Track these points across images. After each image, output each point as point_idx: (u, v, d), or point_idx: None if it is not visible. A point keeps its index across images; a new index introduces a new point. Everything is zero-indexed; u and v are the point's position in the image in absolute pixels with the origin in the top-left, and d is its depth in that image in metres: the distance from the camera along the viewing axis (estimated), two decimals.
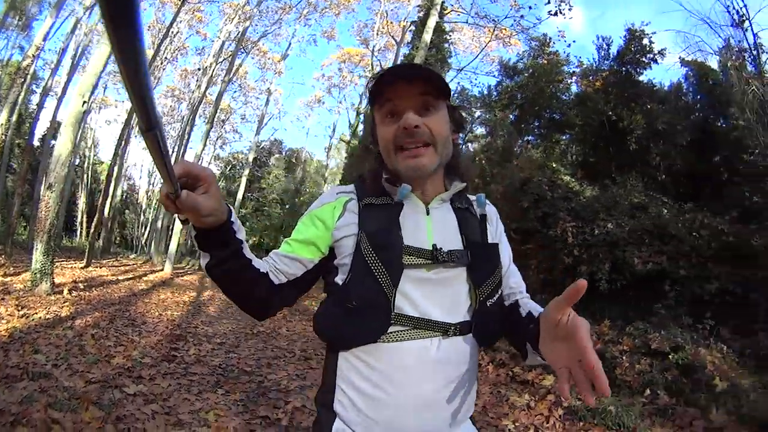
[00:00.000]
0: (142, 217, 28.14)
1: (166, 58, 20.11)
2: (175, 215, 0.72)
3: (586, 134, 11.20)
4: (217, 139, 24.97)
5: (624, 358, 4.21)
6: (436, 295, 0.87)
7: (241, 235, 0.84)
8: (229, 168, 25.27)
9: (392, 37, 17.75)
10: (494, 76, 14.77)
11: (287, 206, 24.08)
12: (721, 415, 3.15)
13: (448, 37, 13.78)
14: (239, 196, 19.90)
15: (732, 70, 7.94)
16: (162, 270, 13.22)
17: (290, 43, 21.40)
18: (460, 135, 1.02)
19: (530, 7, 13.09)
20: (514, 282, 1.01)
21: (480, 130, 13.44)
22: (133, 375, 3.28)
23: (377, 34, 19.93)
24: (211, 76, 17.55)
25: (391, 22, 18.04)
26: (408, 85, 0.86)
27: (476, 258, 0.90)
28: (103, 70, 6.84)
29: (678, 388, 3.65)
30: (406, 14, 18.25)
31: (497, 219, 1.03)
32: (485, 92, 13.35)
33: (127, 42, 0.31)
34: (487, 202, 1.01)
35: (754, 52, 8.03)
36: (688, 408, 3.36)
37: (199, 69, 20.16)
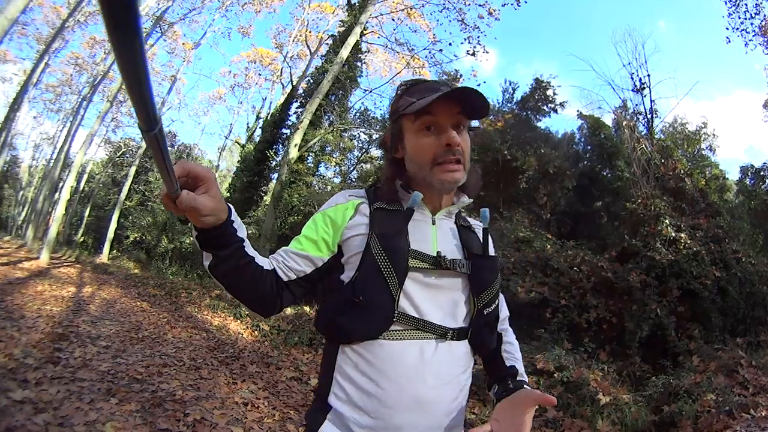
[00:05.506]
0: (21, 194, 24.50)
1: (78, 20, 17.80)
2: (174, 213, 0.71)
3: None
4: (111, 121, 22.25)
5: None
6: (437, 299, 0.91)
7: (242, 233, 0.84)
8: (119, 154, 22.55)
9: (308, 46, 17.25)
10: None
11: None
12: (606, 426, 3.55)
13: (362, 57, 13.83)
14: (126, 186, 17.94)
15: (626, 128, 9.10)
16: (38, 258, 11.58)
17: (205, 32, 19.88)
18: None
19: (450, 43, 13.77)
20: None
21: (376, 152, 13.75)
22: (17, 378, 2.91)
23: (293, 40, 19.46)
24: None
25: (310, 32, 17.62)
26: (450, 102, 0.90)
27: (477, 268, 0.95)
28: (18, 16, 5.93)
29: (564, 403, 4.03)
30: (327, 26, 18.12)
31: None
32: (387, 115, 13.64)
33: (127, 43, 0.31)
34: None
35: (649, 116, 9.32)
36: (575, 420, 3.74)
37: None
